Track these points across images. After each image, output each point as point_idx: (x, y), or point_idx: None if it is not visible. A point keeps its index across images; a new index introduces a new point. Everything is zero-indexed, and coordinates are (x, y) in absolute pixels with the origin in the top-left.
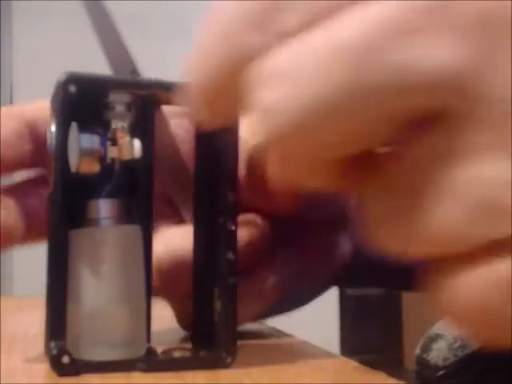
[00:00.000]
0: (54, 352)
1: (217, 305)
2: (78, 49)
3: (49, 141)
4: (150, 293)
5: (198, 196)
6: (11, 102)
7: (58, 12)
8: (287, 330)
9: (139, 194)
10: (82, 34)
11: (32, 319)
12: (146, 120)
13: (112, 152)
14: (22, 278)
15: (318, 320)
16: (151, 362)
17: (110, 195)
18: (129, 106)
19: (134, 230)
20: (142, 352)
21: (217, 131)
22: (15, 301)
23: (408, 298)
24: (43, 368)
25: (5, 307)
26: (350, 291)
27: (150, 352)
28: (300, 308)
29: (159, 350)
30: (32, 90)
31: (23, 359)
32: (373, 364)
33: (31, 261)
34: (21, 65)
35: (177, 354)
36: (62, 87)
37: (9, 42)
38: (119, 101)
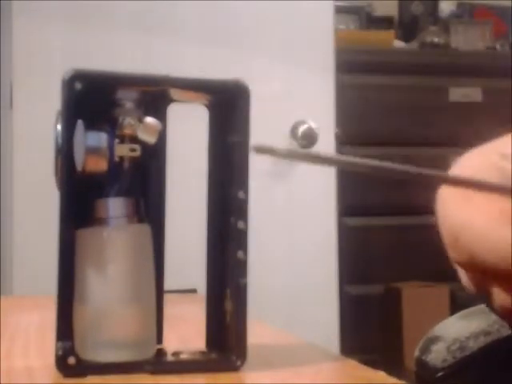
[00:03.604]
0: (60, 352)
1: (228, 305)
2: (78, 49)
3: (55, 139)
4: (161, 293)
5: (210, 196)
6: (11, 102)
7: (57, 12)
8: (288, 330)
9: (151, 193)
10: (82, 34)
11: (32, 319)
12: (157, 117)
13: (120, 150)
14: (22, 278)
15: (318, 320)
16: (159, 363)
17: (119, 194)
18: (138, 103)
19: (143, 230)
20: (151, 353)
21: (229, 131)
22: (15, 301)
23: (408, 298)
24: (44, 368)
25: (5, 307)
26: (349, 291)
27: (160, 354)
28: None
29: (170, 351)
30: (32, 90)
31: (23, 359)
32: (373, 364)
33: (31, 261)
34: (21, 65)
35: (187, 356)
36: (67, 84)
37: (9, 42)
38: (128, 97)
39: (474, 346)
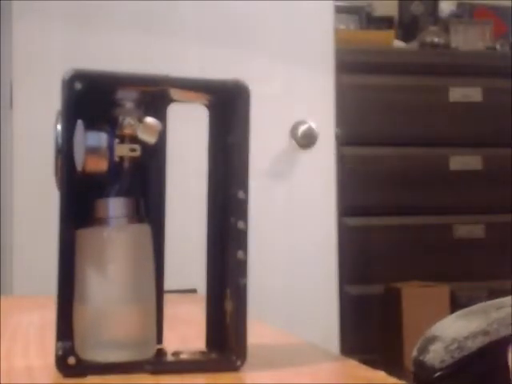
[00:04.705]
0: (60, 352)
1: (228, 305)
2: (78, 49)
3: (55, 139)
4: (161, 293)
5: (210, 196)
6: (11, 102)
7: (57, 12)
8: (287, 330)
9: (151, 193)
10: (82, 34)
11: (32, 319)
12: (157, 117)
13: (120, 150)
14: (22, 278)
15: (318, 320)
16: (159, 363)
17: (119, 194)
18: (138, 103)
19: (143, 230)
20: (151, 353)
21: (229, 131)
22: (15, 301)
23: (408, 298)
24: (44, 368)
25: (5, 307)
26: (349, 291)
27: (160, 354)
28: None
29: (170, 351)
30: (32, 90)
31: (23, 359)
32: (373, 364)
33: (31, 261)
34: (21, 65)
35: (187, 356)
36: (68, 84)
37: (9, 42)
38: (128, 97)
39: (472, 345)
